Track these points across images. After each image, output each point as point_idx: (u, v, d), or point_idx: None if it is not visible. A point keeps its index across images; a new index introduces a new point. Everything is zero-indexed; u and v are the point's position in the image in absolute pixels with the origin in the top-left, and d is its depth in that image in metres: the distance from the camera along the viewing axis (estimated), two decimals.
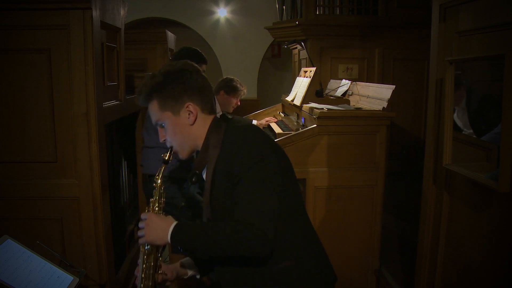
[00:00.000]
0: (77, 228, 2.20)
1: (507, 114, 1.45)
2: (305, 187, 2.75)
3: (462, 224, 1.88)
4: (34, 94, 2.09)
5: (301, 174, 2.66)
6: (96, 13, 2.08)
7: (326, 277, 1.51)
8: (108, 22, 2.33)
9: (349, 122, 2.73)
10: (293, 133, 2.86)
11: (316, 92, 3.27)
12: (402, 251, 3.18)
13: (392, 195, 3.72)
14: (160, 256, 1.52)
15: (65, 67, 2.08)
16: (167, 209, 1.53)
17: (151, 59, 4.13)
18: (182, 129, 1.45)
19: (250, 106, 6.72)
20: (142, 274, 1.48)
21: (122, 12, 2.62)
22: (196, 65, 1.52)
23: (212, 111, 1.49)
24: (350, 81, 3.50)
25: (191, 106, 1.43)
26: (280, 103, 4.32)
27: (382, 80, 4.61)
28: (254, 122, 3.93)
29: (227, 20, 7.80)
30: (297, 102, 3.33)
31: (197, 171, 1.50)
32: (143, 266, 1.47)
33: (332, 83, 3.88)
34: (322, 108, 2.83)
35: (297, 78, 3.77)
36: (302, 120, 3.25)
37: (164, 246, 1.48)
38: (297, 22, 4.63)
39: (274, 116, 4.15)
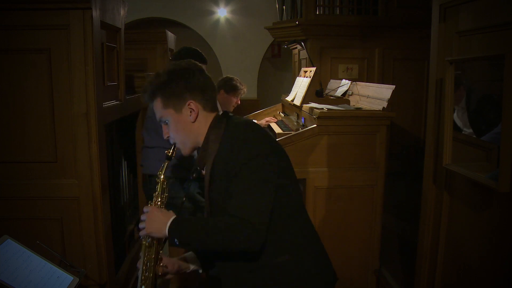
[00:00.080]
0: (77, 228, 2.20)
1: (507, 114, 1.45)
2: (305, 187, 2.75)
3: (462, 224, 1.88)
4: (34, 94, 2.09)
5: (301, 174, 2.66)
6: (96, 13, 2.08)
7: (326, 277, 1.51)
8: (108, 22, 2.33)
9: (349, 122, 2.73)
10: (293, 133, 2.86)
11: (316, 92, 3.27)
12: (402, 251, 3.18)
13: (392, 195, 3.72)
14: (162, 250, 1.57)
15: (65, 67, 2.08)
16: (167, 209, 1.55)
17: (151, 59, 4.14)
18: (184, 126, 1.49)
19: (250, 106, 6.72)
20: (143, 266, 1.55)
21: (122, 12, 2.62)
22: (200, 64, 1.55)
23: (214, 109, 1.53)
24: (350, 81, 3.50)
25: (193, 104, 1.47)
26: (280, 103, 4.32)
27: (382, 80, 4.61)
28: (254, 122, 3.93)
29: (227, 20, 7.80)
30: (297, 102, 3.33)
31: (198, 167, 1.56)
32: (144, 258, 1.54)
33: (332, 83, 3.88)
34: (322, 108, 2.83)
35: (297, 78, 3.77)
36: (302, 120, 3.25)
37: (165, 240, 1.52)
38: (297, 22, 4.63)
39: (274, 116, 4.15)
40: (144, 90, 1.52)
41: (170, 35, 4.39)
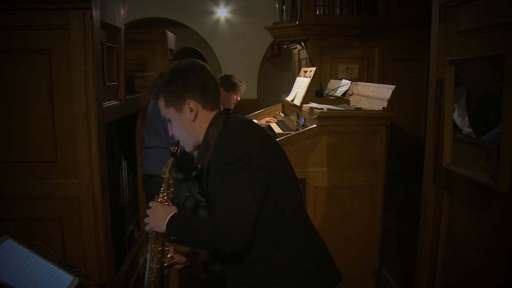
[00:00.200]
0: (77, 228, 2.19)
1: (507, 114, 1.45)
2: (305, 187, 2.75)
3: (462, 224, 1.88)
4: (34, 94, 2.09)
5: (301, 174, 2.66)
6: (96, 13, 2.08)
7: (326, 276, 1.51)
8: (108, 22, 2.33)
9: (349, 122, 2.73)
10: (293, 133, 2.86)
11: (316, 92, 3.27)
12: (402, 251, 3.18)
13: (392, 195, 3.72)
14: (167, 242, 1.63)
15: (65, 67, 2.08)
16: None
17: (151, 59, 4.14)
18: (185, 125, 1.53)
19: (250, 106, 6.72)
20: (150, 257, 1.61)
21: (122, 12, 2.62)
22: (203, 63, 1.57)
23: (214, 107, 1.55)
24: (350, 81, 3.50)
25: (192, 104, 1.50)
26: (280, 103, 4.32)
27: (382, 80, 4.61)
28: (254, 121, 3.92)
29: (227, 20, 7.80)
30: (297, 102, 3.33)
31: (199, 165, 1.60)
32: (151, 250, 1.61)
33: (332, 83, 3.88)
34: (322, 108, 2.83)
35: (297, 78, 3.77)
36: (302, 120, 3.26)
37: None
38: (297, 22, 4.63)
39: (274, 116, 4.14)
40: (149, 89, 1.59)
41: (170, 35, 4.39)
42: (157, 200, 1.59)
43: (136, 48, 4.01)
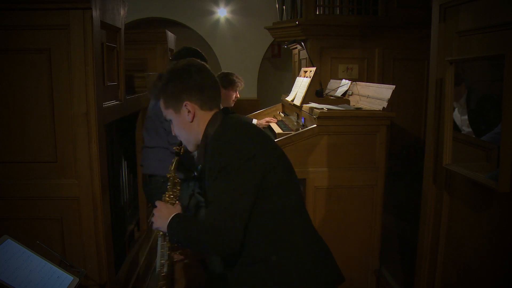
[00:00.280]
0: (77, 228, 2.19)
1: (507, 114, 1.45)
2: (305, 187, 2.75)
3: (462, 224, 1.88)
4: (34, 94, 2.09)
5: (301, 174, 2.65)
6: (96, 13, 2.08)
7: (326, 276, 1.51)
8: (108, 22, 2.33)
9: (349, 122, 2.73)
10: (293, 133, 2.86)
11: (316, 92, 3.27)
12: (402, 251, 3.18)
13: (392, 195, 3.72)
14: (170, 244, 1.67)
15: (65, 67, 2.08)
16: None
17: (151, 59, 4.14)
18: (184, 125, 1.54)
19: (250, 106, 6.73)
20: (160, 254, 1.67)
21: (122, 12, 2.62)
22: (201, 62, 1.57)
23: (213, 107, 1.54)
24: (350, 81, 3.50)
25: (189, 105, 1.51)
26: (280, 103, 4.32)
27: (382, 80, 4.61)
28: (254, 121, 3.93)
29: (227, 20, 7.80)
30: (297, 102, 3.33)
31: (199, 165, 1.65)
32: (160, 246, 1.66)
33: (332, 83, 3.88)
34: (322, 108, 2.83)
35: (297, 78, 3.77)
36: (302, 120, 3.25)
37: None
38: (297, 22, 4.63)
39: (274, 116, 4.14)
40: (150, 91, 1.62)
41: (170, 35, 4.39)
42: (164, 199, 1.61)
43: (136, 48, 4.01)
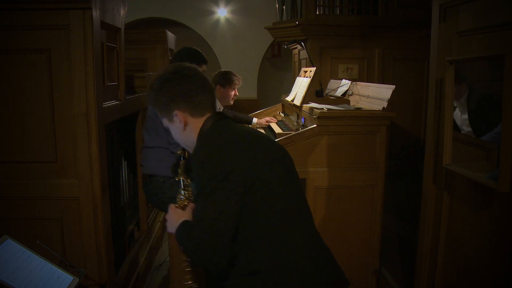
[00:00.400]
0: (77, 228, 2.20)
1: (507, 114, 1.45)
2: (305, 187, 2.75)
3: (462, 224, 1.88)
4: (34, 94, 2.09)
5: (301, 174, 2.62)
6: (96, 13, 2.08)
7: (325, 277, 1.51)
8: (108, 22, 2.33)
9: (349, 122, 2.73)
10: (293, 133, 2.86)
11: (316, 92, 3.27)
12: (402, 251, 3.18)
13: (392, 195, 3.72)
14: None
15: (65, 67, 2.08)
16: (168, 210, 1.62)
17: (151, 59, 4.14)
18: (179, 132, 1.56)
19: (250, 106, 6.73)
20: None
21: (122, 12, 2.62)
22: (190, 66, 1.55)
23: (204, 111, 1.53)
24: (350, 81, 3.50)
25: (179, 114, 1.51)
26: (280, 103, 4.32)
27: (382, 80, 4.61)
28: (255, 120, 3.93)
29: (227, 20, 7.80)
30: (297, 102, 3.33)
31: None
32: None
33: (332, 83, 3.88)
34: (322, 108, 2.83)
35: (297, 78, 3.77)
36: (302, 120, 3.25)
37: None
38: (297, 22, 4.63)
39: (274, 116, 4.14)
40: (147, 99, 1.63)
41: (170, 35, 4.39)
42: (177, 201, 1.64)
43: (136, 48, 4.01)
